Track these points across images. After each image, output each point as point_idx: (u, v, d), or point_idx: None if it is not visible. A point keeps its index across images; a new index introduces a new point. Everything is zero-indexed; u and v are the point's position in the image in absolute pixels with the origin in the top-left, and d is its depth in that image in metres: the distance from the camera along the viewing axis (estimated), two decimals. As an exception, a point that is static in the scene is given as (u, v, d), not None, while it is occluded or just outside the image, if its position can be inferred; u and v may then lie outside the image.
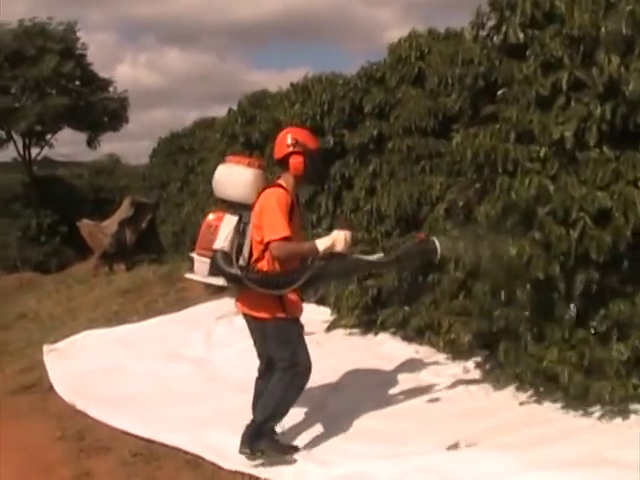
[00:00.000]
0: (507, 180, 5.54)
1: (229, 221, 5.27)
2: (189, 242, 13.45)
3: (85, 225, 17.21)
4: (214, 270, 5.27)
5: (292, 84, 10.80)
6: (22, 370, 9.09)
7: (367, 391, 6.55)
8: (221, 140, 12.78)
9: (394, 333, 8.02)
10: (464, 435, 5.27)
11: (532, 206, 5.38)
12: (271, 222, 5.07)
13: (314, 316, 9.32)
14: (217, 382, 7.28)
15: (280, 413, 5.32)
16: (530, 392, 5.89)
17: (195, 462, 5.64)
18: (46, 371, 8.61)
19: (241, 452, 5.28)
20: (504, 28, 5.81)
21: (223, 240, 5.21)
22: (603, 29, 5.19)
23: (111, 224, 16.91)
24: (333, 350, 7.77)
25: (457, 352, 7.01)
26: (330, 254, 5.17)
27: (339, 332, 8.60)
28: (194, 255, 5.40)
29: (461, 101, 6.48)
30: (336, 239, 5.16)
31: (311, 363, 5.31)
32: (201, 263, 5.32)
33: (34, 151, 22.10)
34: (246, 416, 5.42)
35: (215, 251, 5.22)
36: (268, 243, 5.07)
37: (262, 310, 5.24)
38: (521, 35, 5.70)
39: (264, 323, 5.28)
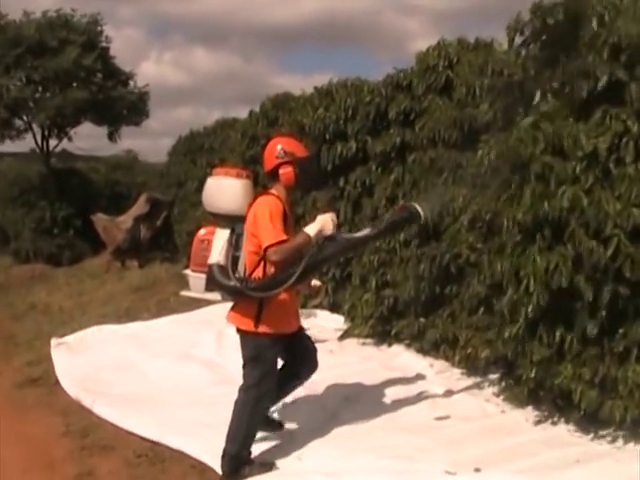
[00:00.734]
0: (540, 188, 5.39)
1: (221, 234, 5.25)
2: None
3: (100, 219, 17.12)
4: (211, 285, 5.23)
5: (316, 88, 10.69)
6: (29, 362, 9.01)
7: (380, 404, 6.44)
8: (242, 141, 12.68)
9: (408, 345, 7.91)
10: (479, 455, 5.14)
11: (565, 218, 5.23)
12: (267, 228, 5.02)
13: (328, 323, 9.26)
14: (227, 386, 7.05)
15: (250, 437, 5.27)
16: (546, 412, 5.77)
17: (201, 467, 5.52)
18: (53, 365, 8.50)
19: None
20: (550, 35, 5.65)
21: (218, 254, 5.18)
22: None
23: (126, 220, 16.79)
24: (346, 360, 7.66)
25: (472, 368, 6.89)
26: (322, 239, 5.17)
27: (352, 341, 8.48)
28: (188, 272, 5.39)
29: (493, 111, 6.32)
30: (323, 222, 5.14)
31: (275, 386, 5.32)
32: (197, 279, 5.30)
33: (52, 143, 22.06)
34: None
35: (210, 266, 5.17)
36: (266, 250, 5.00)
37: (243, 323, 5.20)
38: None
39: (245, 337, 5.24)
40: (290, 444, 5.66)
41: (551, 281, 5.24)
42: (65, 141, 21.83)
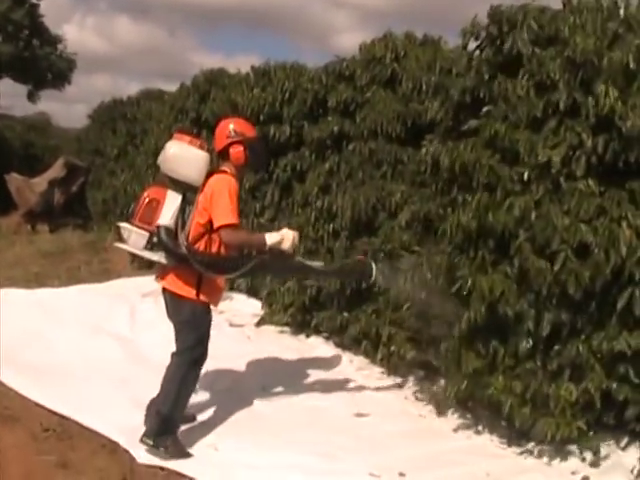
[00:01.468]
0: (486, 198, 5.30)
1: (174, 198, 5.18)
2: (119, 212, 13.05)
3: (13, 179, 16.49)
4: (157, 246, 5.14)
5: (253, 67, 10.47)
6: None
7: (298, 397, 6.31)
8: (170, 113, 12.38)
9: (327, 338, 7.78)
10: (402, 459, 5.04)
11: (512, 231, 5.15)
12: (223, 207, 5.08)
13: (244, 307, 9.10)
14: (139, 364, 6.86)
15: (182, 404, 5.24)
16: (470, 419, 5.70)
17: (111, 447, 5.27)
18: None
19: (143, 441, 5.12)
20: (509, 41, 5.55)
21: (169, 217, 5.11)
22: (606, 59, 4.98)
23: (41, 182, 16.24)
24: (264, 348, 7.44)
25: (393, 367, 6.77)
26: (277, 250, 5.24)
27: (269, 329, 8.30)
28: (128, 225, 5.23)
29: (443, 112, 6.19)
30: (285, 237, 5.25)
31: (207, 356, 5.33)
32: (138, 235, 5.18)
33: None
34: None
35: (159, 227, 5.10)
36: (219, 228, 5.07)
37: (182, 289, 5.18)
38: (529, 49, 5.45)
39: (181, 302, 5.20)
40: (204, 431, 5.47)
41: (496, 306, 5.18)
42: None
